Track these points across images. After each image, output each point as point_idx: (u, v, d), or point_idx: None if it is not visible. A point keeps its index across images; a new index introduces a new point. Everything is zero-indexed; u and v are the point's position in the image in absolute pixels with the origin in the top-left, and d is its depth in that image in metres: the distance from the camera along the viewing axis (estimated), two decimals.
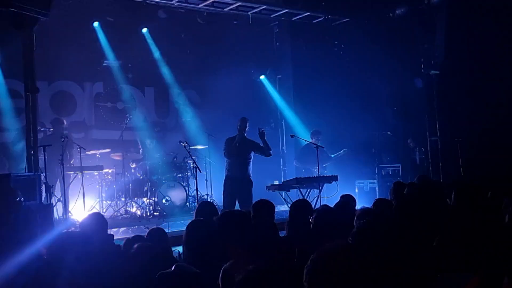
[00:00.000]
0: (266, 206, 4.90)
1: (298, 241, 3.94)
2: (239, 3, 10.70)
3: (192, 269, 2.50)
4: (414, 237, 3.28)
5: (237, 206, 8.27)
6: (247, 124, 8.50)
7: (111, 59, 11.36)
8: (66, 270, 2.62)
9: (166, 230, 5.24)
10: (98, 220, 4.22)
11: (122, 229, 8.83)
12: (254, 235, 3.49)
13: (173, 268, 2.48)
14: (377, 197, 6.84)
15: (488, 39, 9.37)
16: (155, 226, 6.00)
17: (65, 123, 9.86)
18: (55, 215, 7.97)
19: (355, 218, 3.41)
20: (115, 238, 5.01)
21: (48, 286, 2.74)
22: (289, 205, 8.54)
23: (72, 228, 7.29)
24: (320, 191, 9.00)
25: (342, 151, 10.87)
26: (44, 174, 7.07)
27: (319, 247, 2.10)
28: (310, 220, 4.20)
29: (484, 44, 9.46)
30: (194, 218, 4.53)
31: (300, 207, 4.84)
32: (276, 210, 5.23)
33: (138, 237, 4.25)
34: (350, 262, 1.90)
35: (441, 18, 10.01)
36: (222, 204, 8.53)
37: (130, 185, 10.06)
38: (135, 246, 3.34)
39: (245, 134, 8.51)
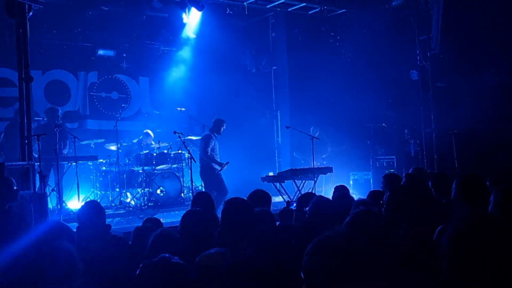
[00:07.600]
0: (263, 197, 4.89)
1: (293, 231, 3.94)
2: None
3: (177, 260, 2.48)
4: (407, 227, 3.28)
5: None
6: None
7: (106, 49, 11.28)
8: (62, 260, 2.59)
9: (161, 221, 5.25)
10: (95, 208, 4.18)
11: (117, 219, 8.83)
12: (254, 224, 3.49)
13: (157, 258, 2.47)
14: (372, 189, 6.83)
15: (484, 30, 9.35)
16: (150, 217, 5.98)
17: (60, 112, 9.76)
18: (49, 205, 7.94)
19: (352, 208, 3.40)
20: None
21: (43, 276, 2.72)
22: (284, 196, 8.62)
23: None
24: (315, 183, 9.02)
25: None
26: (38, 163, 7.01)
27: (315, 237, 2.09)
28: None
29: (480, 35, 9.44)
30: (190, 208, 4.52)
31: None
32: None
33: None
34: (347, 249, 1.89)
35: (437, 9, 9.96)
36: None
37: (125, 175, 10.03)
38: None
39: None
